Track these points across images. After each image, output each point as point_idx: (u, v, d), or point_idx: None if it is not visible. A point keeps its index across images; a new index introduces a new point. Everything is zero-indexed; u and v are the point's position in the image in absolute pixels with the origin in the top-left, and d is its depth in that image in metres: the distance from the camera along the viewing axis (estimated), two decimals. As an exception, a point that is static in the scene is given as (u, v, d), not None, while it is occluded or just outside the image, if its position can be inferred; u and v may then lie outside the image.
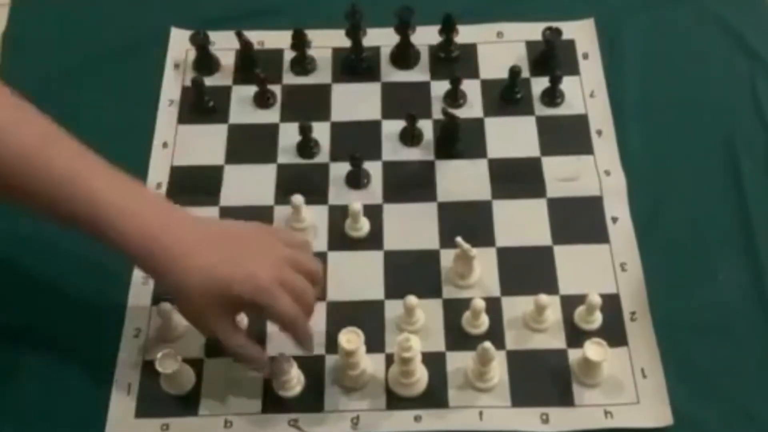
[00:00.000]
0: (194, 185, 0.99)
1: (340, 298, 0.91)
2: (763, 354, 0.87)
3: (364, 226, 0.95)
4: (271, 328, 0.87)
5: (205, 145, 1.02)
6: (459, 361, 0.87)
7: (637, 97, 1.05)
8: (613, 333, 0.87)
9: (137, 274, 0.91)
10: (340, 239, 0.95)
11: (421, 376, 0.85)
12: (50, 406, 0.85)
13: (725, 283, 0.92)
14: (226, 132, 1.03)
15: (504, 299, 0.90)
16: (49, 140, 0.79)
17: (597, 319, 0.88)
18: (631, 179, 0.98)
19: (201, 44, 1.06)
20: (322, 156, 1.01)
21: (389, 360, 0.86)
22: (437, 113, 1.02)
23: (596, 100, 1.04)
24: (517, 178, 0.98)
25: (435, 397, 0.85)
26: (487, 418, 0.84)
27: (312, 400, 0.85)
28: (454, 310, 0.89)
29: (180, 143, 1.02)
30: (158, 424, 0.84)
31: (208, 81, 1.04)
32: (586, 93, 1.05)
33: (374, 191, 0.98)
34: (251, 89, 1.05)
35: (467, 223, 0.95)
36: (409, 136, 1.01)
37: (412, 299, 0.87)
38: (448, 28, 1.06)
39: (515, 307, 0.90)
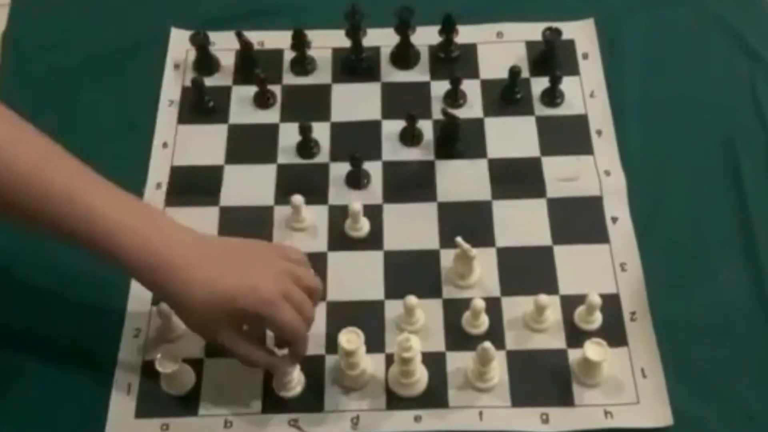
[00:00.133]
0: (194, 185, 0.99)
1: (340, 298, 0.91)
2: (763, 354, 0.87)
3: (364, 226, 0.95)
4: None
5: (205, 145, 1.02)
6: (459, 361, 0.87)
7: (637, 97, 1.05)
8: (613, 333, 0.87)
9: (137, 275, 0.91)
10: (340, 239, 0.95)
11: (421, 376, 0.85)
12: (50, 407, 0.85)
13: (725, 283, 0.92)
14: (226, 132, 1.03)
15: (504, 299, 0.90)
16: (48, 158, 0.79)
17: (597, 319, 0.88)
18: (631, 179, 0.98)
19: (201, 44, 1.06)
20: (322, 156, 1.01)
21: (389, 360, 0.86)
22: (437, 113, 1.02)
23: (596, 100, 1.04)
24: (517, 178, 0.98)
25: (435, 397, 0.85)
26: (487, 418, 0.84)
27: (312, 400, 0.85)
28: (454, 310, 0.89)
29: (180, 143, 1.02)
30: (158, 424, 0.84)
31: (208, 81, 1.04)
32: (586, 93, 1.05)
33: (374, 191, 0.98)
34: (251, 89, 1.05)
35: (467, 223, 0.95)
36: (409, 136, 1.01)
37: (412, 299, 0.87)
38: (448, 29, 1.06)
39: (515, 307, 0.90)
